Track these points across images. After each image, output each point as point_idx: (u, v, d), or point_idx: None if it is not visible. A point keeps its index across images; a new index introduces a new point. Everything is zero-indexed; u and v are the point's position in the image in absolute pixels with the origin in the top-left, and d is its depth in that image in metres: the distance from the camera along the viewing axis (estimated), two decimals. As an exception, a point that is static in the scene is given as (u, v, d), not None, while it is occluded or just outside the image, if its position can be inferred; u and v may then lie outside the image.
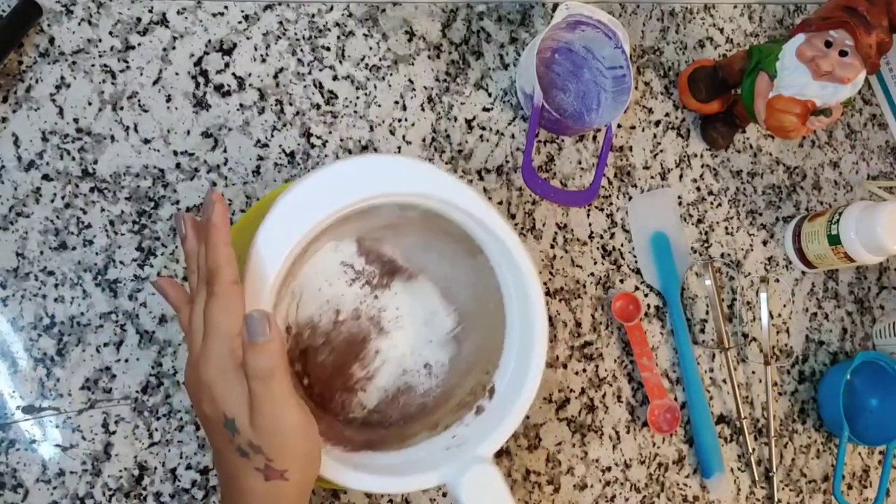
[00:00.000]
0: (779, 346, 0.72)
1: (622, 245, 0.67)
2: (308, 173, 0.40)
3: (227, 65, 0.57)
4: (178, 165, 0.55)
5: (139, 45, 0.55)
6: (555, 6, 0.64)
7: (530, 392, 0.44)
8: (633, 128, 0.69)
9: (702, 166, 0.71)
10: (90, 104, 0.53)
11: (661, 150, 0.70)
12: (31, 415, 0.50)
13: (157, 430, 0.52)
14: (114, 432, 0.51)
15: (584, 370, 0.64)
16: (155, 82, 0.55)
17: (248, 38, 0.58)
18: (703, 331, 0.69)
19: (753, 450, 0.68)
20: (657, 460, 0.65)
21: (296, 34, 0.59)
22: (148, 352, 0.52)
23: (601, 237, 0.66)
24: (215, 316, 0.37)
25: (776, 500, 0.68)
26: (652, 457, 0.65)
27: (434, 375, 0.50)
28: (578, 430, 0.63)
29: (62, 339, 0.51)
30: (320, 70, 0.59)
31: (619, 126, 0.68)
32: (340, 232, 0.46)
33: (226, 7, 0.57)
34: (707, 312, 0.69)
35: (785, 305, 0.72)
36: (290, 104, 0.58)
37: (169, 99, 0.55)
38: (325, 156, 0.59)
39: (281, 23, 0.59)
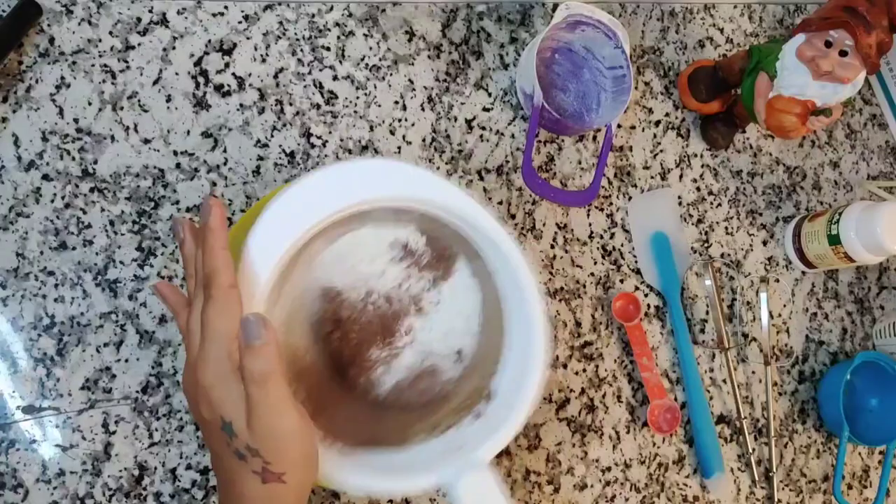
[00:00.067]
0: (779, 346, 0.72)
1: (622, 245, 0.67)
2: (304, 175, 0.41)
3: (227, 65, 0.57)
4: (178, 165, 0.55)
5: (139, 45, 0.55)
6: (555, 6, 0.64)
7: (530, 399, 0.44)
8: (633, 128, 0.69)
9: (702, 166, 0.71)
10: (90, 104, 0.53)
11: (661, 150, 0.70)
12: (31, 415, 0.50)
13: (157, 430, 0.52)
14: (114, 432, 0.51)
15: (584, 370, 0.64)
16: (155, 82, 0.55)
17: (248, 38, 0.58)
18: (703, 331, 0.69)
19: (753, 450, 0.68)
20: (657, 460, 0.65)
21: (296, 34, 0.59)
22: (148, 352, 0.52)
23: (601, 237, 0.66)
24: (212, 319, 0.37)
25: (776, 500, 0.68)
26: (652, 457, 0.65)
27: (461, 362, 0.49)
28: (578, 430, 0.63)
29: (62, 339, 0.51)
30: (320, 70, 0.59)
31: (619, 126, 0.68)
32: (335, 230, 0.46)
33: (226, 7, 0.57)
34: (707, 312, 0.69)
35: (785, 305, 0.72)
36: (290, 104, 0.58)
37: (169, 99, 0.55)
38: (326, 156, 0.59)
39: (281, 23, 0.59)
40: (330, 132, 0.59)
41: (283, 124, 0.58)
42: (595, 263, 0.66)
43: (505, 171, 0.64)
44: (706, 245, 0.70)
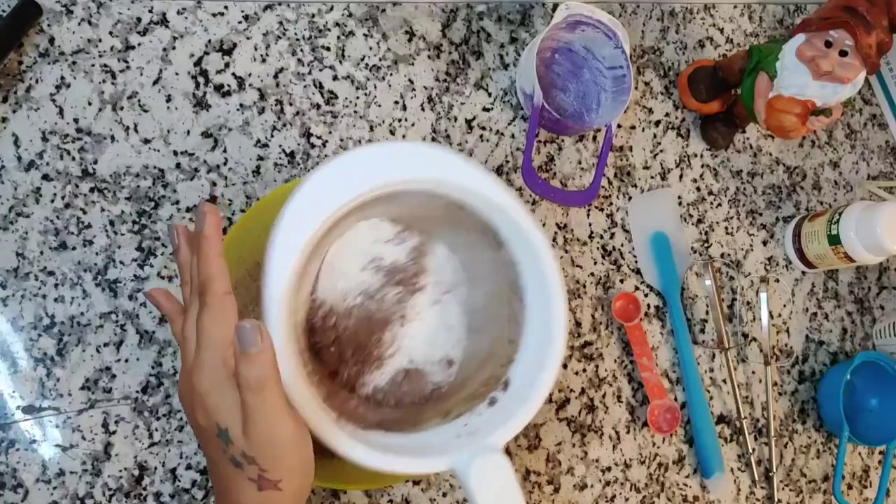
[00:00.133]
0: (779, 346, 0.72)
1: (622, 245, 0.67)
2: (328, 159, 0.41)
3: (227, 65, 0.57)
4: (178, 165, 0.55)
5: (139, 45, 0.55)
6: (555, 6, 0.64)
7: (547, 386, 0.44)
8: (633, 128, 0.69)
9: (702, 166, 0.71)
10: (90, 104, 0.53)
11: (661, 150, 0.70)
12: (31, 415, 0.50)
13: (157, 430, 0.52)
14: (114, 432, 0.51)
15: (584, 370, 0.64)
16: (155, 82, 0.55)
17: (248, 38, 0.58)
18: (703, 331, 0.69)
19: (753, 450, 0.68)
20: (657, 460, 0.65)
21: (296, 34, 0.59)
22: (148, 352, 0.52)
23: (601, 237, 0.66)
24: (208, 326, 0.37)
25: (776, 500, 0.68)
26: (652, 457, 0.65)
27: (447, 369, 0.50)
28: (578, 430, 0.63)
29: (62, 339, 0.51)
30: (320, 70, 0.59)
31: (619, 126, 0.68)
32: (372, 213, 0.46)
33: (226, 7, 0.57)
34: (707, 312, 0.69)
35: (785, 305, 0.72)
36: (290, 104, 0.58)
37: (169, 99, 0.55)
38: (325, 156, 0.59)
39: (281, 23, 0.59)
40: (330, 132, 0.59)
41: (283, 124, 0.58)
42: (595, 263, 0.66)
43: (505, 171, 0.64)
44: (706, 245, 0.70)
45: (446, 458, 0.42)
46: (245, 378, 0.36)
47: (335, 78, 0.60)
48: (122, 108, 0.54)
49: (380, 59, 0.61)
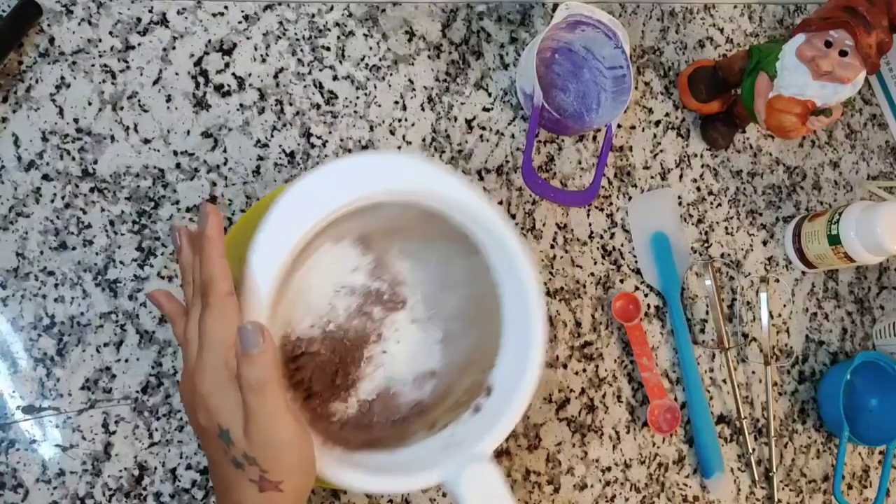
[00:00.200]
0: (779, 346, 0.72)
1: (622, 245, 0.67)
2: (301, 175, 0.41)
3: (227, 65, 0.57)
4: (178, 165, 0.55)
5: (139, 45, 0.55)
6: (555, 6, 0.64)
7: (529, 390, 0.44)
8: (633, 128, 0.69)
9: (702, 166, 0.71)
10: (90, 104, 0.53)
11: (661, 150, 0.70)
12: (31, 415, 0.50)
13: (157, 430, 0.52)
14: (114, 432, 0.51)
15: (584, 370, 0.64)
16: (155, 82, 0.55)
17: (248, 38, 0.58)
18: (703, 331, 0.69)
19: (753, 450, 0.68)
20: (657, 460, 0.65)
21: (296, 34, 0.59)
22: (148, 352, 0.52)
23: (601, 237, 0.66)
24: (210, 327, 0.37)
25: (776, 500, 0.68)
26: (652, 457, 0.65)
27: (423, 386, 0.50)
28: (578, 430, 0.63)
29: (62, 339, 0.51)
30: (320, 70, 0.59)
31: (619, 126, 0.68)
32: (340, 232, 0.46)
33: (226, 7, 0.57)
34: (707, 312, 0.69)
35: (785, 305, 0.72)
36: (290, 104, 0.58)
37: (169, 99, 0.55)
38: (325, 156, 0.59)
39: (281, 23, 0.59)
40: (330, 132, 0.59)
41: (283, 124, 0.58)
42: (595, 263, 0.66)
43: (505, 170, 0.64)
44: (706, 245, 0.70)
45: (436, 472, 0.42)
46: (247, 379, 0.36)
47: (335, 78, 0.60)
48: (122, 108, 0.54)
49: (380, 59, 0.61)
